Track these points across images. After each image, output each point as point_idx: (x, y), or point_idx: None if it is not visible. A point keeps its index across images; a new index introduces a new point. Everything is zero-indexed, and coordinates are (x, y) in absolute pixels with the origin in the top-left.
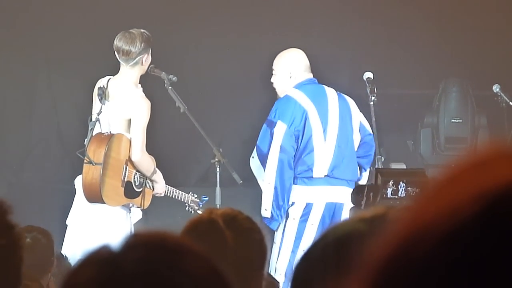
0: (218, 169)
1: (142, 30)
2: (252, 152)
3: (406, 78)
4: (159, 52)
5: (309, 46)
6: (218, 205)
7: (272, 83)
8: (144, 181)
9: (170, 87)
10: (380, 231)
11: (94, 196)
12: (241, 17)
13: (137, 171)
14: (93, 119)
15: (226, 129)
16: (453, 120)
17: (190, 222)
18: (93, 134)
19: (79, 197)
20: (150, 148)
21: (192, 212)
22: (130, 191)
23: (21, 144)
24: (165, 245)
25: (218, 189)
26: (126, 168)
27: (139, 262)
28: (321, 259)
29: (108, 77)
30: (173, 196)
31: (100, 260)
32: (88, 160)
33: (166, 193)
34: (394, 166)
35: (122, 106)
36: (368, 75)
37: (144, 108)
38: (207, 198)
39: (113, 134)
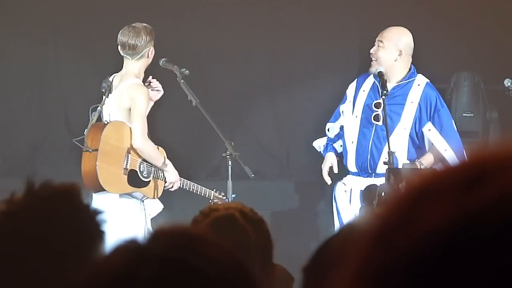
0: (229, 163)
1: (144, 24)
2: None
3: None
4: (172, 46)
5: (320, 39)
6: (229, 199)
7: (373, 54)
8: (153, 171)
9: (182, 81)
10: (356, 238)
11: (93, 183)
12: (255, 12)
13: (144, 160)
14: (96, 110)
15: (237, 122)
16: (464, 114)
17: (210, 220)
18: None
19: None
20: (161, 141)
21: None
22: (135, 180)
23: (30, 138)
24: (190, 234)
25: (229, 182)
26: (128, 156)
27: (166, 248)
28: (332, 252)
29: (114, 74)
30: (193, 190)
31: (127, 249)
32: (86, 148)
33: (183, 187)
34: (407, 166)
35: (120, 95)
36: (380, 69)
37: (140, 94)
38: (234, 195)
39: (110, 121)
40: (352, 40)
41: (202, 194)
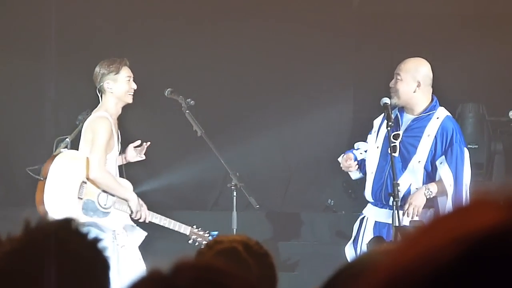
0: (234, 193)
1: (113, 58)
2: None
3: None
4: (177, 76)
5: (319, 70)
6: (234, 230)
7: (391, 87)
8: (115, 202)
9: (187, 111)
10: (362, 274)
11: (43, 212)
12: (258, 44)
13: (105, 191)
14: (63, 141)
15: (242, 153)
16: (469, 146)
17: (213, 252)
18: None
19: None
20: (165, 171)
21: (197, 244)
22: (93, 210)
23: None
24: (213, 267)
25: (234, 213)
26: (83, 185)
27: (192, 280)
28: (350, 281)
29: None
30: (168, 226)
31: (153, 280)
32: (40, 177)
33: (154, 221)
34: (414, 224)
35: (85, 129)
36: (385, 100)
37: (100, 126)
38: (216, 233)
39: (63, 151)
40: (348, 72)
41: (177, 230)
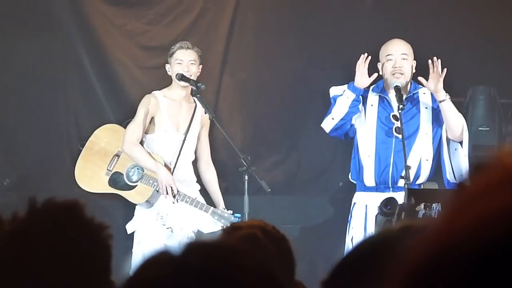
0: (245, 177)
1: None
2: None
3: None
4: None
5: (327, 49)
6: (246, 214)
7: (401, 67)
8: (144, 177)
9: (198, 95)
10: (409, 242)
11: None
12: (271, 23)
13: (136, 165)
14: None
15: (253, 136)
16: (480, 128)
17: (232, 238)
18: None
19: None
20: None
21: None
22: (119, 183)
23: (43, 154)
24: (224, 247)
25: (246, 197)
26: (115, 158)
27: (202, 260)
28: (356, 265)
29: None
30: (194, 206)
31: (163, 260)
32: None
33: (182, 200)
34: (427, 186)
35: None
36: (397, 83)
37: (140, 103)
38: (240, 215)
39: (108, 124)
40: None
41: (204, 211)
